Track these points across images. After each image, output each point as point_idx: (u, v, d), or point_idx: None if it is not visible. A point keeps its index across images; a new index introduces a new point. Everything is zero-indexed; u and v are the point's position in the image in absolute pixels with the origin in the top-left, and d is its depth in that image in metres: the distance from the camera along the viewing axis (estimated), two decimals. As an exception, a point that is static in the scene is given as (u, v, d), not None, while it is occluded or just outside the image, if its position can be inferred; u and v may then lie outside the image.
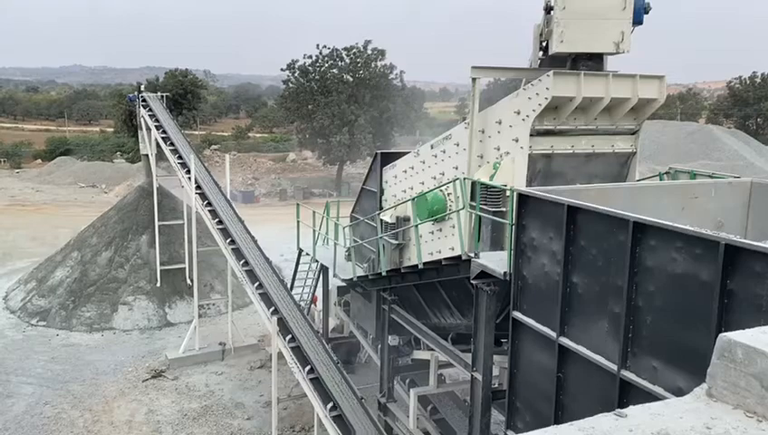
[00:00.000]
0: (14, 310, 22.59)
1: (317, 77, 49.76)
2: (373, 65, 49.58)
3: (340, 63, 49.85)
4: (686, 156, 44.02)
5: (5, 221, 37.32)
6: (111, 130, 74.67)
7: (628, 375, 5.88)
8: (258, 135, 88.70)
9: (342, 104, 47.55)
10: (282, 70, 50.43)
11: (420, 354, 12.88)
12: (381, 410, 12.94)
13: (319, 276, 16.80)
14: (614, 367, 6.00)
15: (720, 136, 53.31)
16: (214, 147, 68.24)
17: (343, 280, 14.07)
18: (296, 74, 50.15)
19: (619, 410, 2.79)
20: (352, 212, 14.22)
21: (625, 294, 5.81)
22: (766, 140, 62.54)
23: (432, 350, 11.96)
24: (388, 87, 49.84)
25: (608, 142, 9.26)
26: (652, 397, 5.66)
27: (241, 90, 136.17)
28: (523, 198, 7.19)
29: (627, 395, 5.93)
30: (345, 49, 49.48)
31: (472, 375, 9.42)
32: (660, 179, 10.10)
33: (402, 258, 12.03)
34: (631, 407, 2.81)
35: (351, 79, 49.58)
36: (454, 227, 10.27)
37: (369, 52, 49.43)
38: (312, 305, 17.62)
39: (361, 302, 14.55)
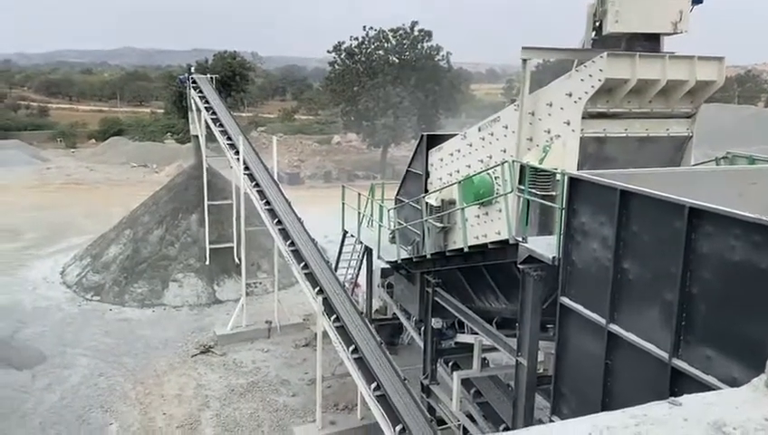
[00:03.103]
0: (71, 285, 23.48)
1: (363, 59, 49.68)
2: (419, 47, 49.20)
3: (386, 45, 49.62)
4: (743, 140, 42.38)
5: (62, 199, 38.69)
6: (162, 111, 76.27)
7: (680, 364, 5.76)
8: (304, 117, 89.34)
9: (387, 86, 47.40)
10: (328, 52, 50.57)
11: (464, 338, 12.87)
12: (424, 392, 13.01)
13: (363, 258, 16.92)
14: (665, 355, 5.89)
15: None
16: (260, 129, 69.04)
17: (387, 262, 14.13)
18: (342, 56, 50.17)
19: (672, 398, 2.74)
20: (397, 195, 14.23)
21: (679, 282, 5.68)
22: (830, 124, 59.52)
23: (476, 334, 11.95)
24: (434, 69, 49.41)
25: (662, 126, 9.00)
26: (705, 386, 5.54)
27: (287, 72, 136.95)
28: (574, 182, 7.06)
29: (678, 384, 5.82)
30: (391, 30, 49.20)
31: (517, 360, 9.38)
32: (717, 165, 9.77)
33: (447, 241, 12.00)
34: (685, 395, 2.74)
35: (397, 61, 49.34)
36: (500, 211, 10.18)
37: (416, 33, 49.05)
38: (356, 288, 17.76)
39: (405, 284, 14.59)
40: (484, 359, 13.28)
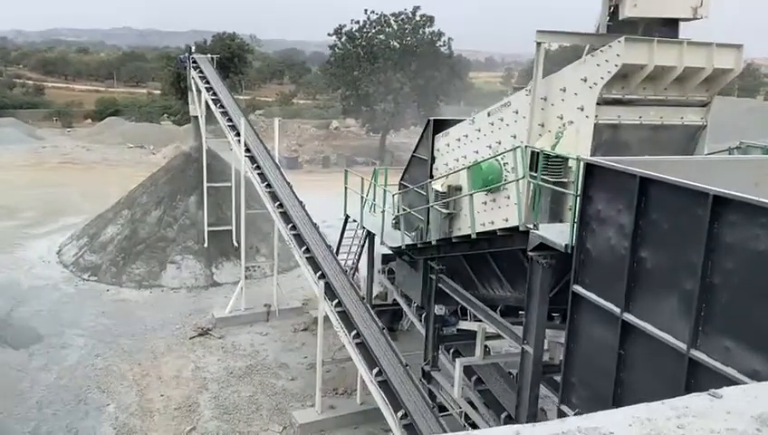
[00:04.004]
0: (67, 264, 23.28)
1: (363, 43, 49.28)
2: (421, 32, 48.82)
3: (387, 30, 49.20)
4: (743, 133, 42.36)
5: (59, 178, 38.35)
6: (158, 92, 75.72)
7: (699, 355, 5.67)
8: (302, 101, 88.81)
9: (388, 71, 47.07)
10: (329, 35, 50.13)
11: (467, 325, 12.79)
12: (425, 379, 12.94)
13: (364, 243, 16.79)
14: (683, 346, 5.79)
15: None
16: (258, 112, 68.54)
17: (391, 248, 14.00)
18: (343, 40, 49.74)
19: (713, 390, 2.65)
20: (401, 180, 14.07)
21: (699, 271, 5.57)
22: (829, 119, 59.44)
23: (479, 321, 11.86)
24: (435, 55, 49.05)
25: (677, 114, 8.86)
26: (723, 378, 5.46)
27: (285, 55, 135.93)
28: (590, 168, 6.93)
29: (696, 375, 5.73)
30: (393, 15, 48.80)
31: (523, 348, 9.29)
32: (729, 154, 9.66)
33: (452, 228, 11.88)
34: (725, 388, 2.66)
35: (398, 45, 48.96)
36: (509, 197, 10.05)
37: (418, 18, 48.66)
38: (356, 273, 17.65)
39: (407, 270, 14.48)
40: (485, 347, 13.22)
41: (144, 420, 13.97)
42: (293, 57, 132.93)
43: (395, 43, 49.15)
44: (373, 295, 16.86)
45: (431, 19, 48.69)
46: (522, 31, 8.91)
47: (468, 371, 12.46)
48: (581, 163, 7.15)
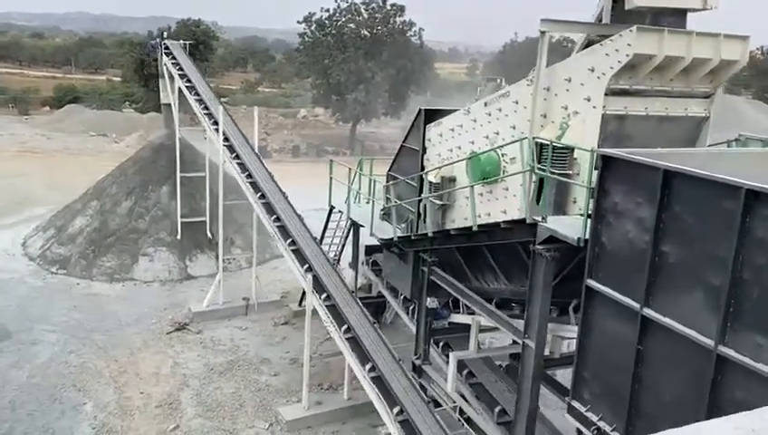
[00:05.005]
0: (34, 257, 22.36)
1: (333, 31, 48.63)
2: (392, 21, 48.41)
3: (357, 18, 48.65)
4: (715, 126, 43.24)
5: (19, 168, 36.83)
6: (119, 79, 73.48)
7: (727, 351, 5.60)
8: (267, 90, 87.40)
9: (359, 60, 46.57)
10: (298, 22, 49.30)
11: (459, 318, 12.64)
12: (416, 373, 12.77)
13: (348, 234, 16.50)
14: (710, 342, 5.71)
15: (744, 108, 52.44)
16: (222, 100, 67.23)
17: (380, 240, 13.75)
18: (312, 28, 48.99)
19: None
20: (389, 171, 13.81)
21: (730, 266, 5.48)
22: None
23: (472, 314, 11.71)
24: (406, 44, 48.72)
25: (681, 105, 8.82)
26: (754, 375, 5.39)
27: (248, 43, 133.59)
28: (607, 161, 6.79)
29: (723, 372, 5.65)
30: (363, 3, 48.27)
31: (524, 342, 9.17)
32: (728, 147, 9.67)
33: (444, 219, 11.70)
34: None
35: (369, 35, 48.46)
36: (507, 189, 9.90)
37: (388, 7, 48.23)
38: (338, 265, 17.35)
39: (395, 262, 14.24)
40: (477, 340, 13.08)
41: (124, 420, 13.47)
42: (256, 45, 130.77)
43: (365, 32, 48.64)
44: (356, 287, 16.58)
45: (402, 8, 48.32)
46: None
47: (459, 364, 12.32)
48: (596, 155, 7.02)
